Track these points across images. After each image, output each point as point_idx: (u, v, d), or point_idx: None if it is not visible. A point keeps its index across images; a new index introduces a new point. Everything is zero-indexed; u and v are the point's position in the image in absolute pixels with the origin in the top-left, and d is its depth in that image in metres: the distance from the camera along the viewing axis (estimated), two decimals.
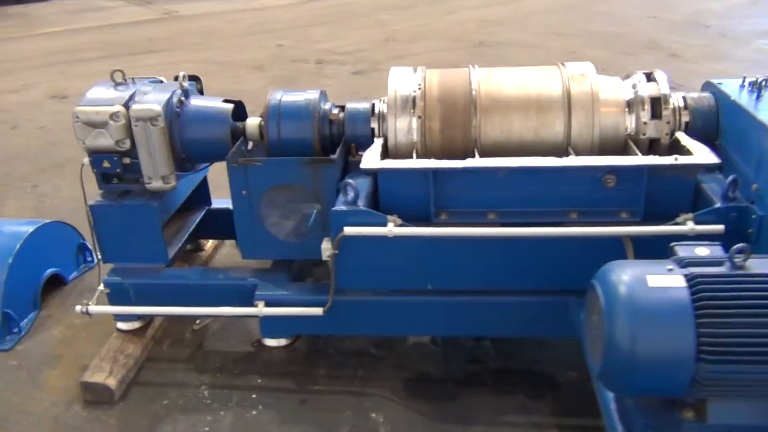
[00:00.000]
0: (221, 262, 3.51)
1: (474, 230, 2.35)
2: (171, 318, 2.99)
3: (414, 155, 2.52)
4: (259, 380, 2.70)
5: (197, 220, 3.17)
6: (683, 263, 1.81)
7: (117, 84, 2.76)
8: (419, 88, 2.56)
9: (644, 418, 1.86)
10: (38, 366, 2.83)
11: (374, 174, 2.55)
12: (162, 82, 2.92)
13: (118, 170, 2.69)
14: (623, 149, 2.53)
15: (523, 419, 2.47)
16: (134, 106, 2.60)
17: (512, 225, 2.38)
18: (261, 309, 2.60)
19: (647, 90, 2.51)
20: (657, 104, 2.49)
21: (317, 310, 2.55)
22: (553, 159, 2.38)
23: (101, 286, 2.78)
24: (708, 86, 2.68)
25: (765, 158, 2.22)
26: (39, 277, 3.18)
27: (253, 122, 2.73)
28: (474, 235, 2.35)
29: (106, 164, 2.69)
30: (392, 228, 2.36)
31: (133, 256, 2.82)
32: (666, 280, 1.74)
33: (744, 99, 2.46)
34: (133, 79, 2.81)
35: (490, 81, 2.57)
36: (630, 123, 2.51)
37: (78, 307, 2.71)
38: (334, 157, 2.57)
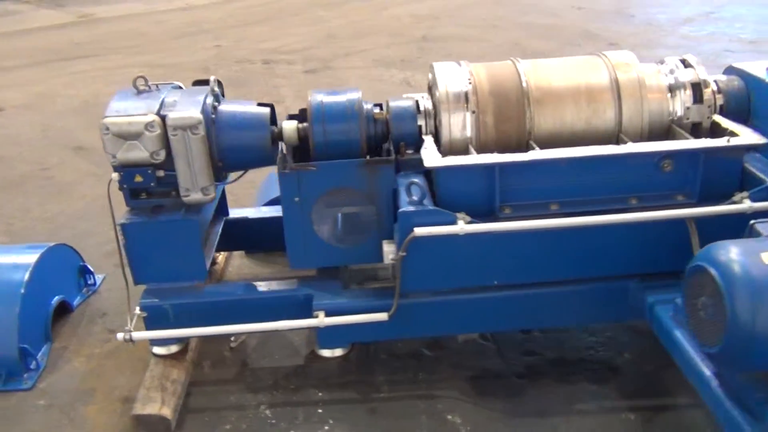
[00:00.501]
0: (235, 274, 3.34)
1: (547, 222, 2.35)
2: (205, 338, 2.81)
3: (470, 150, 2.49)
4: (320, 394, 2.60)
5: (219, 232, 3.00)
6: None
7: (140, 91, 2.57)
8: (470, 83, 2.53)
9: (760, 392, 1.92)
10: (71, 403, 2.59)
11: (424, 172, 2.51)
12: (181, 87, 2.74)
13: (152, 184, 2.50)
14: (666, 134, 2.60)
15: (596, 405, 2.50)
16: (172, 114, 2.42)
17: (574, 214, 2.40)
18: (322, 320, 2.49)
19: (686, 75, 2.59)
20: (697, 89, 2.57)
21: (382, 316, 2.47)
22: (614, 147, 2.42)
23: (138, 310, 2.57)
24: (731, 70, 2.80)
25: None
26: (48, 306, 2.92)
27: (290, 126, 2.61)
28: (546, 227, 2.35)
29: (138, 178, 2.50)
30: (463, 226, 2.32)
31: (169, 275, 2.64)
32: None
33: None
34: (157, 85, 2.61)
35: (538, 73, 2.58)
36: (674, 108, 2.58)
37: (120, 335, 2.49)
38: (391, 157, 2.50)
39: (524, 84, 2.53)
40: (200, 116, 2.42)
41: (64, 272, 3.10)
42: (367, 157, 2.54)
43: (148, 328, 2.60)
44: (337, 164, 2.47)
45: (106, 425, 2.48)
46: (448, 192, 2.43)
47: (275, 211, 3.05)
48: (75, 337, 2.95)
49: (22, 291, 2.71)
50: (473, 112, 2.50)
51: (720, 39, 7.25)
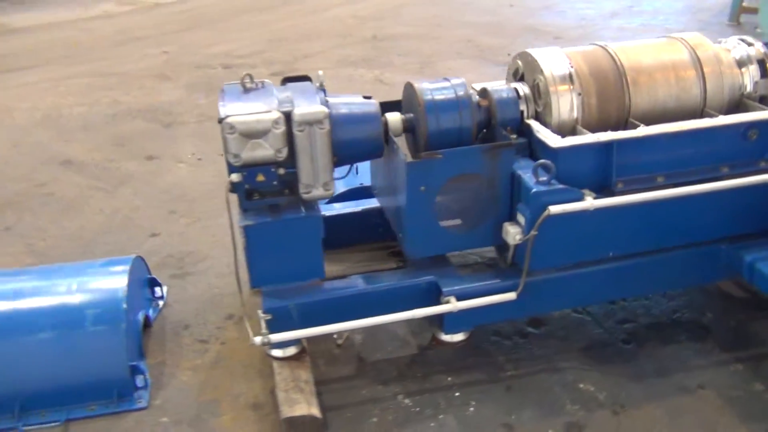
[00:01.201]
0: None
1: (661, 193, 2.52)
2: (313, 338, 2.77)
3: (579, 131, 2.61)
4: (449, 378, 2.63)
5: None
6: None
7: (247, 89, 2.50)
8: (571, 66, 2.65)
9: None
10: (198, 416, 2.48)
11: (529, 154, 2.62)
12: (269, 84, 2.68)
13: (274, 182, 2.44)
14: (738, 107, 2.84)
15: (706, 360, 2.70)
16: (297, 110, 2.38)
17: (678, 185, 2.58)
18: (456, 304, 2.53)
19: (751, 52, 2.84)
20: (762, 64, 2.83)
21: (511, 295, 2.55)
22: (710, 119, 2.62)
23: (262, 313, 2.50)
24: None
25: None
26: (138, 322, 2.76)
27: (394, 117, 2.63)
28: (660, 198, 2.52)
29: (260, 178, 2.43)
30: (593, 201, 2.45)
31: (288, 276, 2.58)
32: None
33: None
34: (263, 82, 2.55)
35: (628, 55, 2.74)
36: (744, 82, 2.82)
37: (258, 339, 2.42)
38: (512, 141, 2.57)
39: (619, 65, 2.68)
40: (327, 110, 2.40)
41: (140, 286, 2.93)
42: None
43: (272, 330, 2.52)
44: (464, 151, 2.52)
45: None
46: (567, 170, 2.53)
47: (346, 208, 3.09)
48: (167, 351, 2.80)
49: (124, 306, 2.56)
50: (579, 94, 2.62)
51: (653, 29, 7.82)
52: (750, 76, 2.81)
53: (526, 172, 2.52)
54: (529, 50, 2.76)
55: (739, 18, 8.18)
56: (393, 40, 7.87)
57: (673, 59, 2.75)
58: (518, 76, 2.84)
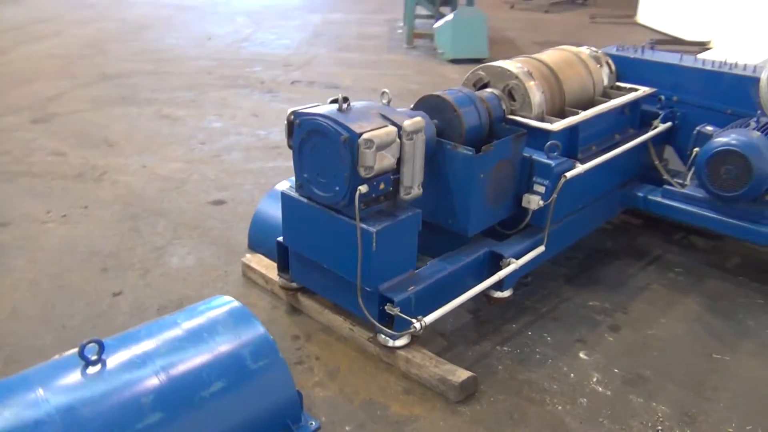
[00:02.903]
0: None
1: (605, 156, 3.57)
2: None
3: (546, 118, 3.49)
4: (514, 325, 3.26)
5: None
6: None
7: (343, 111, 2.76)
8: (529, 72, 3.52)
9: (755, 207, 3.57)
10: (371, 412, 2.64)
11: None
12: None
13: (390, 188, 2.77)
14: (602, 95, 4.06)
15: (637, 269, 3.83)
16: (407, 123, 2.75)
17: (606, 151, 3.69)
18: (518, 263, 3.17)
19: (599, 57, 4.09)
20: (608, 65, 4.10)
21: (541, 248, 3.32)
22: (612, 102, 3.77)
23: (392, 306, 2.78)
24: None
25: None
26: None
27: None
28: (604, 160, 3.57)
29: (382, 185, 2.74)
30: (583, 166, 3.37)
31: (395, 271, 2.90)
32: None
33: None
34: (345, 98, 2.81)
35: (550, 59, 3.71)
36: (603, 76, 4.05)
37: (417, 324, 2.71)
38: (525, 130, 3.29)
39: (550, 67, 3.65)
40: (424, 121, 2.83)
41: None
42: None
43: (397, 322, 2.82)
44: (503, 142, 3.16)
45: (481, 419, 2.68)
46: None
47: None
48: None
49: (269, 335, 2.56)
50: (542, 91, 3.50)
51: (354, 60, 9.13)
52: (605, 73, 4.06)
53: (537, 154, 3.29)
54: (492, 63, 3.53)
55: (413, 42, 10.02)
56: (128, 77, 7.60)
57: (572, 60, 3.82)
58: (479, 86, 3.57)
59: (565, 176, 3.23)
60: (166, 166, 5.07)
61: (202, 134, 5.78)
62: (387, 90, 2.99)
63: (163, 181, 4.78)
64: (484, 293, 3.22)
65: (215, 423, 2.32)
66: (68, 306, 3.28)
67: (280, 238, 3.23)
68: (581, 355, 3.05)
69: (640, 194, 3.92)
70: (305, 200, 2.95)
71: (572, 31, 12.09)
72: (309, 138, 2.79)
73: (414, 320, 2.76)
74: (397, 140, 2.70)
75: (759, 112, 3.68)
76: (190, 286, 3.49)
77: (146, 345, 2.42)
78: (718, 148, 3.49)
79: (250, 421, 2.41)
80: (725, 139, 3.50)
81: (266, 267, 3.49)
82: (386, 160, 2.67)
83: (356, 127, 2.63)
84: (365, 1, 14.41)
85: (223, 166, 5.11)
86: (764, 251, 3.96)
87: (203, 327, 2.52)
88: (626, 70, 4.21)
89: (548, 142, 3.28)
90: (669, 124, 4.06)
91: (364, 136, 2.60)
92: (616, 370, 2.95)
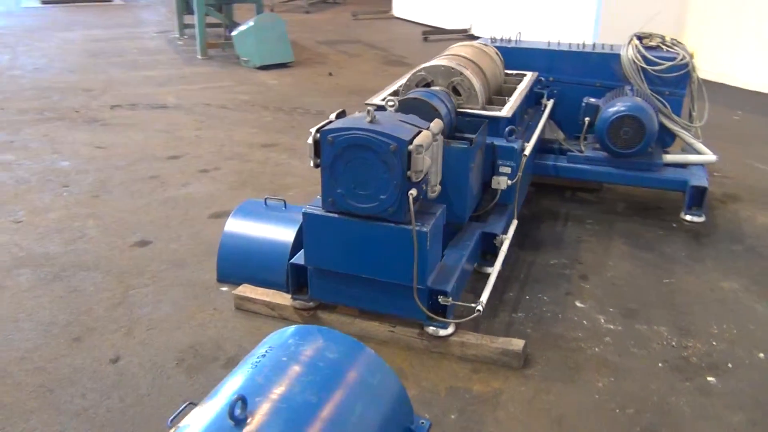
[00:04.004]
0: None
1: (534, 135, 4.09)
2: None
3: (487, 108, 3.89)
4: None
5: None
6: None
7: (374, 121, 2.87)
8: (467, 68, 3.88)
9: (645, 158, 4.38)
10: (470, 410, 2.83)
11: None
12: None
13: (425, 188, 2.95)
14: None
15: (576, 220, 4.46)
16: (432, 125, 2.95)
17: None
18: (506, 237, 3.54)
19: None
20: (499, 55, 4.63)
21: (515, 222, 3.73)
22: (525, 86, 4.30)
23: (478, 306, 3.02)
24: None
25: None
26: None
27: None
28: (536, 137, 4.10)
29: (423, 186, 2.91)
30: (529, 144, 3.85)
31: (433, 265, 3.08)
32: None
33: None
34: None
35: (468, 54, 4.11)
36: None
37: (479, 306, 2.94)
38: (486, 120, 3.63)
39: (473, 61, 4.05)
40: (442, 123, 3.05)
41: None
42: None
43: (448, 309, 3.04)
44: (481, 132, 3.48)
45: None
46: None
47: None
48: None
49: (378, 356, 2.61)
50: (481, 84, 3.89)
51: (155, 78, 8.70)
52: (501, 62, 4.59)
53: (497, 140, 3.68)
54: (431, 63, 3.82)
55: (207, 52, 9.78)
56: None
57: (481, 53, 4.27)
58: (422, 85, 3.84)
59: (525, 155, 3.66)
60: (43, 217, 4.48)
61: (56, 176, 5.18)
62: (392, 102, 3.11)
63: (57, 233, 4.25)
64: (477, 271, 3.57)
65: None
66: (71, 389, 2.87)
67: (296, 260, 3.19)
68: (577, 304, 3.52)
69: (550, 163, 4.54)
70: (337, 215, 2.97)
71: (344, 29, 12.78)
72: (344, 153, 2.83)
73: (474, 304, 2.98)
74: (433, 142, 2.88)
75: (629, 84, 4.50)
76: (191, 332, 3.26)
77: (277, 390, 2.35)
78: (617, 115, 4.21)
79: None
80: (618, 107, 4.23)
81: (266, 294, 3.41)
82: (428, 162, 2.84)
83: (401, 135, 2.75)
84: (109, 17, 13.59)
85: (114, 205, 4.68)
86: (637, 193, 4.85)
87: (314, 358, 2.49)
88: (506, 58, 4.77)
89: (507, 128, 3.68)
90: (552, 100, 4.72)
91: (415, 142, 2.74)
92: (611, 309, 3.48)
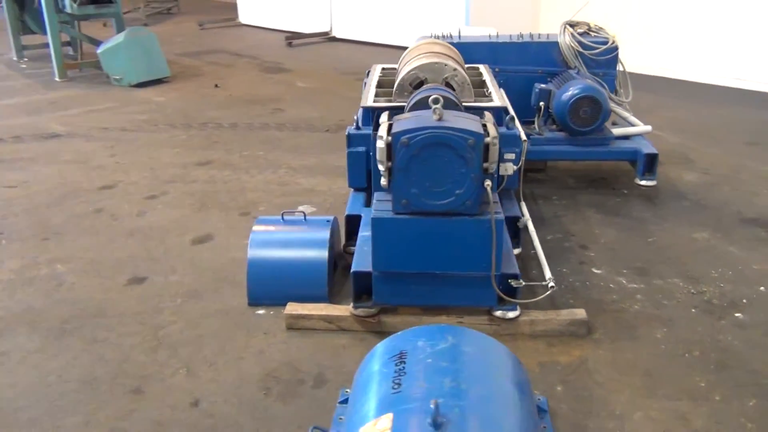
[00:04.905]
0: None
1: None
2: None
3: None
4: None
5: None
6: None
7: (440, 118, 2.96)
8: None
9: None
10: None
11: None
12: None
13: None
14: None
15: (558, 199, 4.78)
16: (486, 114, 3.09)
17: None
18: (528, 220, 3.76)
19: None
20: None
21: (524, 203, 3.97)
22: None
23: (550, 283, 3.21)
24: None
25: None
26: None
27: None
28: None
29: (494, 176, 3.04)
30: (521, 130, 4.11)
31: None
32: None
33: None
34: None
35: (432, 50, 4.27)
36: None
37: (551, 283, 3.12)
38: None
39: (455, 58, 4.23)
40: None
41: None
42: None
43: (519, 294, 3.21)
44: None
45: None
46: None
47: None
48: None
49: None
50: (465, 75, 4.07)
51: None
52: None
53: (500, 129, 3.88)
54: (424, 62, 3.93)
55: (66, 74, 8.98)
56: None
57: (447, 49, 4.45)
58: (416, 84, 3.95)
59: (525, 141, 3.91)
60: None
61: None
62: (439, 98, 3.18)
63: (28, 285, 3.79)
64: None
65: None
66: None
67: (359, 267, 3.17)
68: (594, 270, 3.84)
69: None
70: (408, 216, 3.00)
71: (195, 39, 12.36)
72: (421, 153, 2.87)
73: (544, 282, 3.16)
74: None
75: (567, 69, 4.92)
76: (257, 361, 3.09)
77: (447, 389, 2.39)
78: (575, 97, 4.60)
79: (533, 414, 2.60)
80: (574, 90, 4.63)
81: (321, 308, 3.33)
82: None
83: (475, 129, 2.85)
84: None
85: (74, 246, 4.25)
86: (578, 168, 5.33)
87: (456, 353, 2.56)
88: None
89: (507, 116, 3.89)
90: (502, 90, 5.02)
91: (491, 134, 2.86)
92: (625, 271, 3.84)
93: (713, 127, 6.53)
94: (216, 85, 8.50)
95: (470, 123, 2.93)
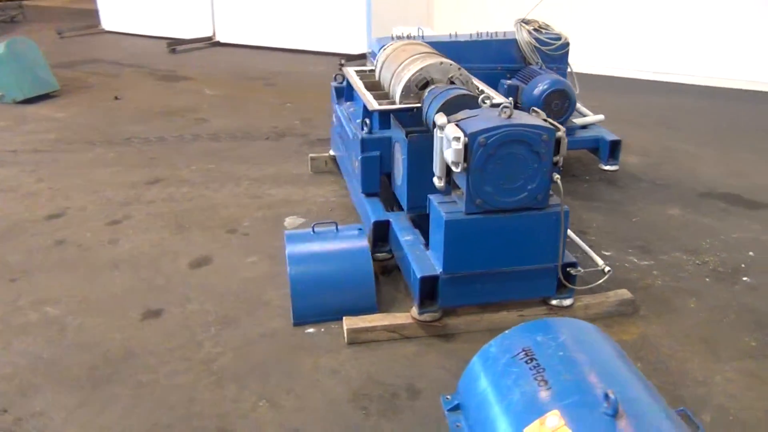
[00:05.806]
0: None
1: None
2: None
3: None
4: None
5: None
6: None
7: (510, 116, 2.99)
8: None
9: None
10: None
11: None
12: None
13: None
14: None
15: None
16: (540, 112, 3.16)
17: None
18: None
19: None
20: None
21: None
22: None
23: (606, 268, 3.33)
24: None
25: None
26: None
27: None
28: None
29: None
30: None
31: None
32: None
33: None
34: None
35: (408, 52, 4.29)
36: None
37: (607, 267, 3.25)
38: None
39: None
40: None
41: None
42: None
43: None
44: None
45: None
46: None
47: None
48: None
49: None
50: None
51: None
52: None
53: None
54: (426, 63, 3.93)
55: None
56: None
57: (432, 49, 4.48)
58: (422, 85, 3.93)
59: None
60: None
61: None
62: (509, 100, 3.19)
63: (24, 335, 3.32)
64: None
65: None
66: None
67: (425, 272, 3.11)
68: (604, 252, 4.05)
69: None
70: (481, 215, 3.00)
71: (60, 48, 11.38)
72: (497, 151, 2.88)
73: (600, 269, 3.29)
74: None
75: (525, 65, 5.13)
76: (335, 382, 2.93)
77: (596, 379, 2.45)
78: (547, 91, 4.81)
79: None
80: (544, 85, 4.83)
81: (382, 319, 3.24)
82: None
83: (545, 125, 2.92)
84: None
85: (53, 285, 3.78)
86: None
87: (580, 344, 2.62)
88: None
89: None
90: None
91: (562, 129, 2.93)
92: (630, 250, 4.09)
93: (634, 114, 7.09)
94: (116, 98, 7.86)
95: (534, 119, 2.97)
